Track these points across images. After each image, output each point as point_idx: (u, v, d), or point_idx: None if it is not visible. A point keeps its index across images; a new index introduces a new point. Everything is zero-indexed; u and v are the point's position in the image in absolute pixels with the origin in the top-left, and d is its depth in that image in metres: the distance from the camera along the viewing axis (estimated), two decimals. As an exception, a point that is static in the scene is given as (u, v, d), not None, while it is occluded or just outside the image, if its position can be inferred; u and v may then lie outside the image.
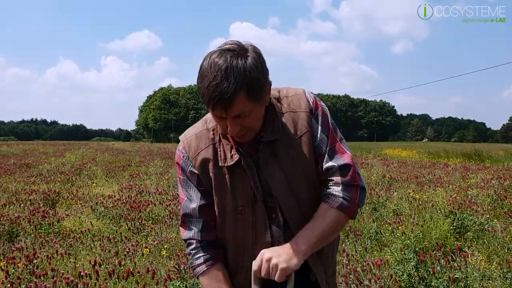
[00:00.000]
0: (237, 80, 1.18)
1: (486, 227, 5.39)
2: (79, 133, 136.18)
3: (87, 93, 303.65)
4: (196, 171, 1.42)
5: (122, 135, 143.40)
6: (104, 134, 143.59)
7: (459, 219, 5.54)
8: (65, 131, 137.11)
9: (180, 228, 1.51)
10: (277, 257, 1.28)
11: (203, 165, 1.41)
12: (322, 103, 1.44)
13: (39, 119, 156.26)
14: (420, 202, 6.74)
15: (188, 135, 1.47)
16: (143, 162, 17.09)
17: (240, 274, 1.46)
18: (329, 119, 1.43)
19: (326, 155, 1.39)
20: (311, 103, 1.41)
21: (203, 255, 1.43)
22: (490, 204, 6.88)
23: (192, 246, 1.45)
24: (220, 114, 1.24)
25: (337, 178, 1.37)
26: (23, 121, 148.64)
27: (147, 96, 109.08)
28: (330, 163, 1.37)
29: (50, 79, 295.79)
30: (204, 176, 1.42)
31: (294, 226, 1.39)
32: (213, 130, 1.43)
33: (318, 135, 1.39)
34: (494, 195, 7.33)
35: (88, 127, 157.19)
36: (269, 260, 1.29)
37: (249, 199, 1.38)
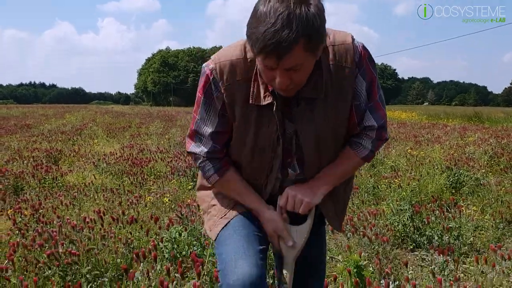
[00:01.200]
0: (298, 28, 1.09)
1: (481, 182, 5.50)
2: (78, 96, 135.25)
3: (85, 56, 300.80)
4: (223, 98, 1.37)
5: (121, 99, 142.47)
6: (103, 98, 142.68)
7: (456, 174, 5.62)
8: (64, 94, 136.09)
9: (187, 139, 1.50)
10: (302, 193, 1.41)
11: (232, 97, 1.36)
12: (369, 51, 1.37)
13: (37, 82, 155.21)
14: (417, 159, 6.83)
15: (223, 58, 1.36)
16: (143, 123, 17.14)
17: None
18: (374, 71, 1.39)
19: (368, 112, 1.40)
20: (357, 54, 1.34)
21: (212, 167, 1.47)
22: (487, 161, 6.97)
23: (200, 160, 1.48)
24: (271, 64, 1.16)
25: (372, 134, 1.44)
26: (21, 85, 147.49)
27: (146, 59, 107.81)
28: (370, 122, 1.41)
29: (48, 41, 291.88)
30: (230, 107, 1.37)
31: (309, 177, 1.47)
32: (250, 61, 1.33)
33: (362, 92, 1.37)
34: (491, 152, 7.41)
35: (87, 90, 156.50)
36: (294, 196, 1.41)
37: (271, 142, 1.39)
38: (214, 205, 1.56)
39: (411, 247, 3.77)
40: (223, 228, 1.47)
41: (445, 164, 6.21)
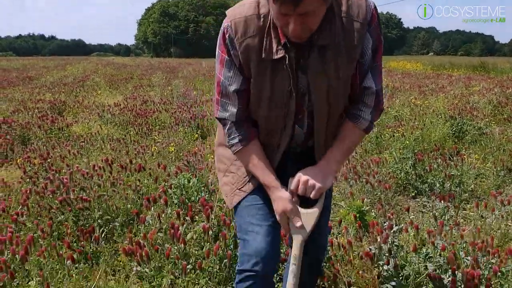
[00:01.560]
0: None
1: (484, 131, 5.52)
2: (78, 48, 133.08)
3: (84, 6, 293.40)
4: (239, 56, 1.40)
5: (121, 50, 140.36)
6: (103, 49, 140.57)
7: (459, 123, 5.65)
8: (64, 46, 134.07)
9: (214, 104, 1.53)
10: (313, 178, 1.43)
11: (247, 53, 1.39)
12: (378, 14, 1.40)
13: (36, 34, 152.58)
14: (421, 108, 6.83)
15: (237, 15, 1.39)
16: (145, 75, 17.01)
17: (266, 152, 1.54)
18: (381, 34, 1.41)
19: (369, 73, 1.42)
20: (369, 13, 1.37)
21: (237, 135, 1.48)
22: (491, 111, 6.97)
23: (228, 126, 1.49)
24: (286, 11, 1.20)
25: (370, 102, 1.45)
26: (20, 36, 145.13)
27: (146, 9, 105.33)
28: (370, 83, 1.43)
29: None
30: (245, 63, 1.40)
31: (318, 131, 1.48)
32: (263, 17, 1.37)
33: (368, 51, 1.40)
34: (495, 101, 7.39)
35: (87, 42, 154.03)
36: (306, 182, 1.43)
37: (285, 95, 1.41)
38: (232, 172, 1.59)
39: (413, 194, 3.85)
40: (240, 200, 1.55)
41: (448, 114, 6.22)
